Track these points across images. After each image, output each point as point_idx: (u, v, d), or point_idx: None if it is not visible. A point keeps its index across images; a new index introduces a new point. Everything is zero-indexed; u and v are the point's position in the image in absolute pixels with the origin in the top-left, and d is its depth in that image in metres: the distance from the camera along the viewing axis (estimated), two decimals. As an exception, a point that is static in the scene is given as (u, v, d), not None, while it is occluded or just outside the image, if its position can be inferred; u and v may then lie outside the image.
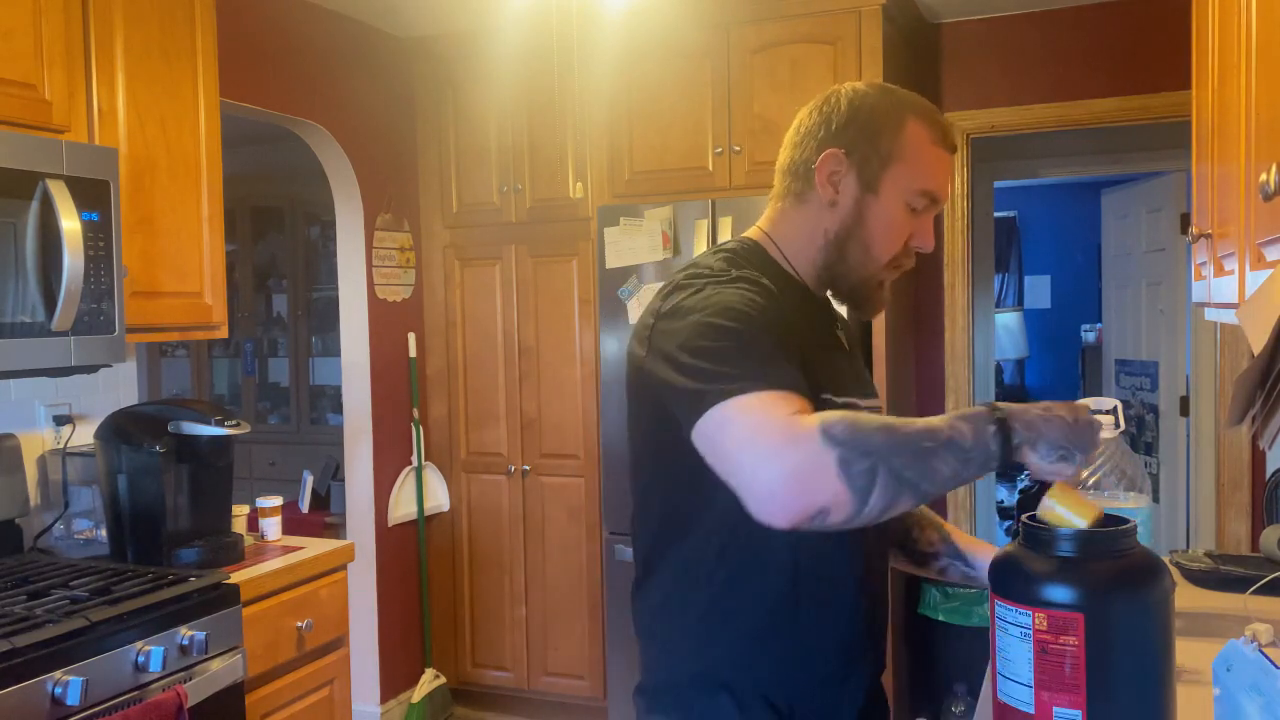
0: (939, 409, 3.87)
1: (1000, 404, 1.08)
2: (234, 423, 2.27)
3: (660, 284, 1.36)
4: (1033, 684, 1.08)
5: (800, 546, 1.21)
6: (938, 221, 3.82)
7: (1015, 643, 1.09)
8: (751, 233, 1.39)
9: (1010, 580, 1.11)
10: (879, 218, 1.29)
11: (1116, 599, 1.05)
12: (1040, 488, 1.18)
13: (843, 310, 1.44)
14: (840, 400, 1.23)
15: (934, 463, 1.03)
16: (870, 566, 1.33)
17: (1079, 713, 1.05)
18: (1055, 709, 1.07)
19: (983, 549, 1.45)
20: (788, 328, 1.20)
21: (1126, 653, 1.06)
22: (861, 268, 1.31)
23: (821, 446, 1.01)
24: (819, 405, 1.14)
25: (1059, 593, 1.06)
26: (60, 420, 2.46)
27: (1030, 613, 1.08)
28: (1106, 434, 1.75)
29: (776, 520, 1.02)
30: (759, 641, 1.24)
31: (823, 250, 1.32)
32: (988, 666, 1.50)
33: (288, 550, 2.43)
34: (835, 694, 1.29)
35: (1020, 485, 6.23)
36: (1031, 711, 1.08)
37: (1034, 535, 1.13)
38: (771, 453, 1.03)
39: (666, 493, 1.26)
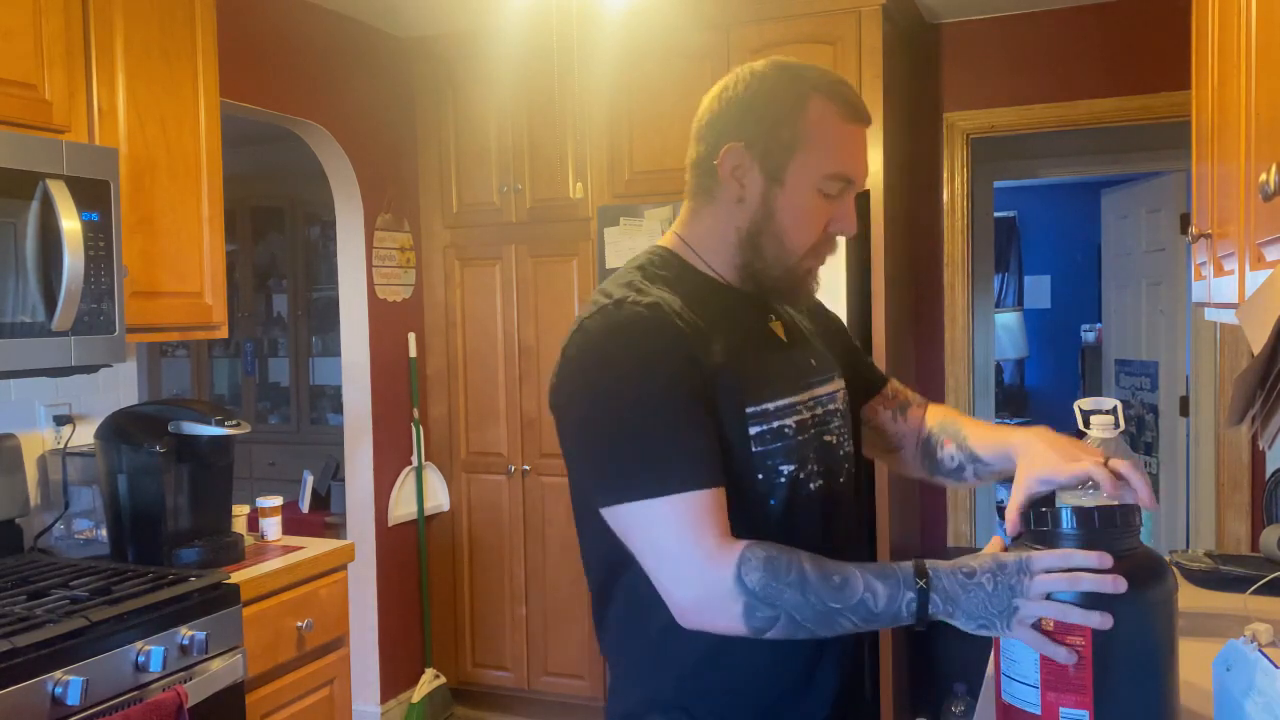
0: (939, 409, 3.87)
1: (931, 566, 1.09)
2: (234, 423, 2.27)
3: None
4: (1039, 685, 1.07)
5: None
6: (937, 221, 3.84)
7: (1019, 643, 1.08)
8: (665, 239, 1.33)
9: None
10: (788, 210, 1.23)
11: (1122, 598, 1.04)
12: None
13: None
14: (774, 406, 1.21)
15: (838, 620, 1.08)
16: None
17: (1085, 712, 1.05)
18: (1062, 709, 1.06)
19: (993, 442, 1.37)
20: (689, 356, 1.15)
21: (1132, 651, 1.06)
22: (780, 262, 1.25)
23: (731, 591, 1.07)
24: (746, 421, 1.17)
25: (1065, 593, 1.06)
26: (60, 420, 2.46)
27: None
28: (1107, 434, 1.75)
29: (680, 621, 1.12)
30: (711, 665, 1.21)
31: (737, 248, 1.26)
32: (988, 666, 1.50)
33: (288, 550, 2.43)
34: (794, 710, 1.25)
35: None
36: (1038, 712, 1.08)
37: (1040, 536, 1.12)
38: (683, 582, 1.10)
39: (604, 525, 1.19)
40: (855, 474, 1.36)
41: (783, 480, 1.21)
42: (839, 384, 1.36)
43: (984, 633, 1.08)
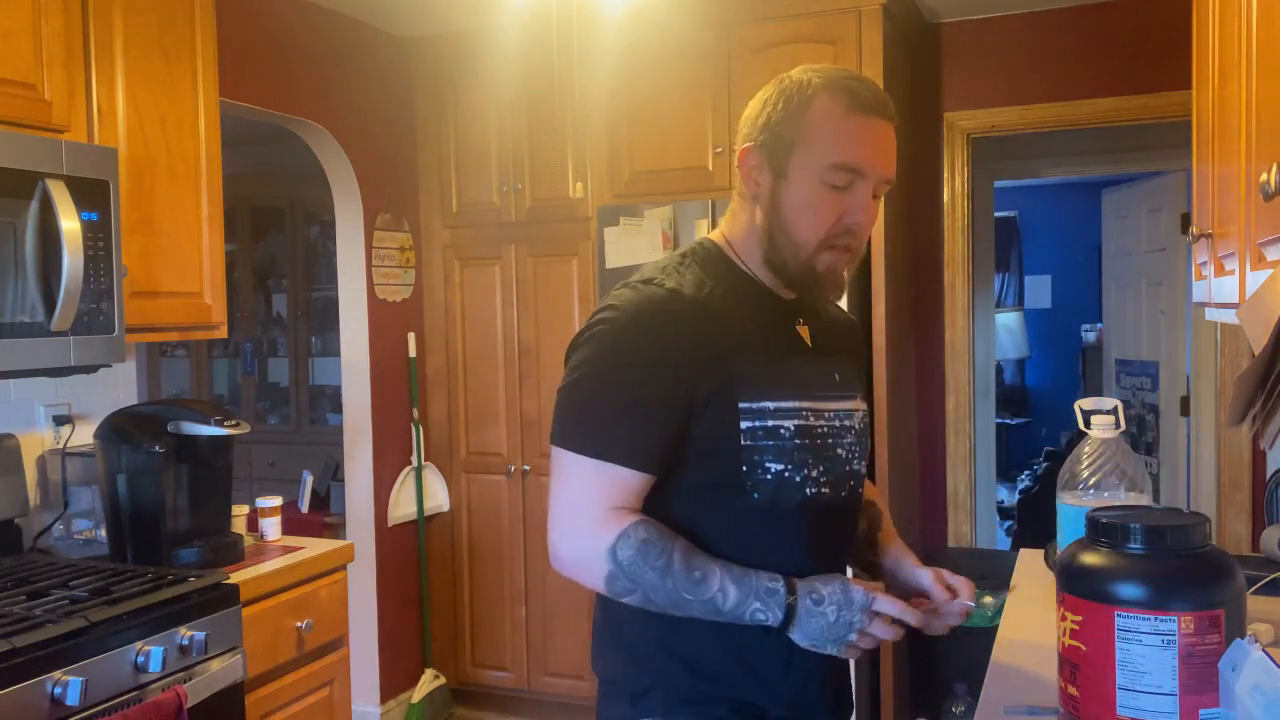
0: (939, 409, 3.88)
1: (795, 584, 1.22)
2: (234, 423, 2.27)
3: None
4: (1177, 691, 1.05)
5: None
6: (938, 221, 3.84)
7: (1154, 653, 1.06)
8: (713, 233, 1.39)
9: (1142, 590, 1.07)
10: (791, 201, 1.27)
11: (1243, 587, 1.06)
12: (1039, 488, 1.20)
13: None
14: (774, 406, 1.26)
15: (687, 609, 1.21)
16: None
17: (1224, 709, 1.03)
18: (1201, 711, 1.05)
19: (893, 550, 1.48)
20: (692, 353, 1.23)
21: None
22: (793, 256, 1.29)
23: (602, 560, 1.21)
24: (739, 415, 1.24)
25: (1203, 594, 1.04)
26: (60, 420, 2.46)
27: (1175, 618, 1.05)
28: (1107, 434, 1.75)
29: (552, 562, 1.27)
30: (723, 650, 1.28)
31: (759, 244, 1.32)
32: (989, 667, 1.50)
33: (287, 550, 2.43)
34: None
35: (1020, 486, 6.23)
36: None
37: (1153, 538, 1.11)
38: (568, 533, 1.25)
39: None
40: (859, 493, 1.40)
41: (768, 478, 1.26)
42: (861, 405, 1.40)
43: (811, 649, 1.22)
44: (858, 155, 1.26)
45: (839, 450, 1.33)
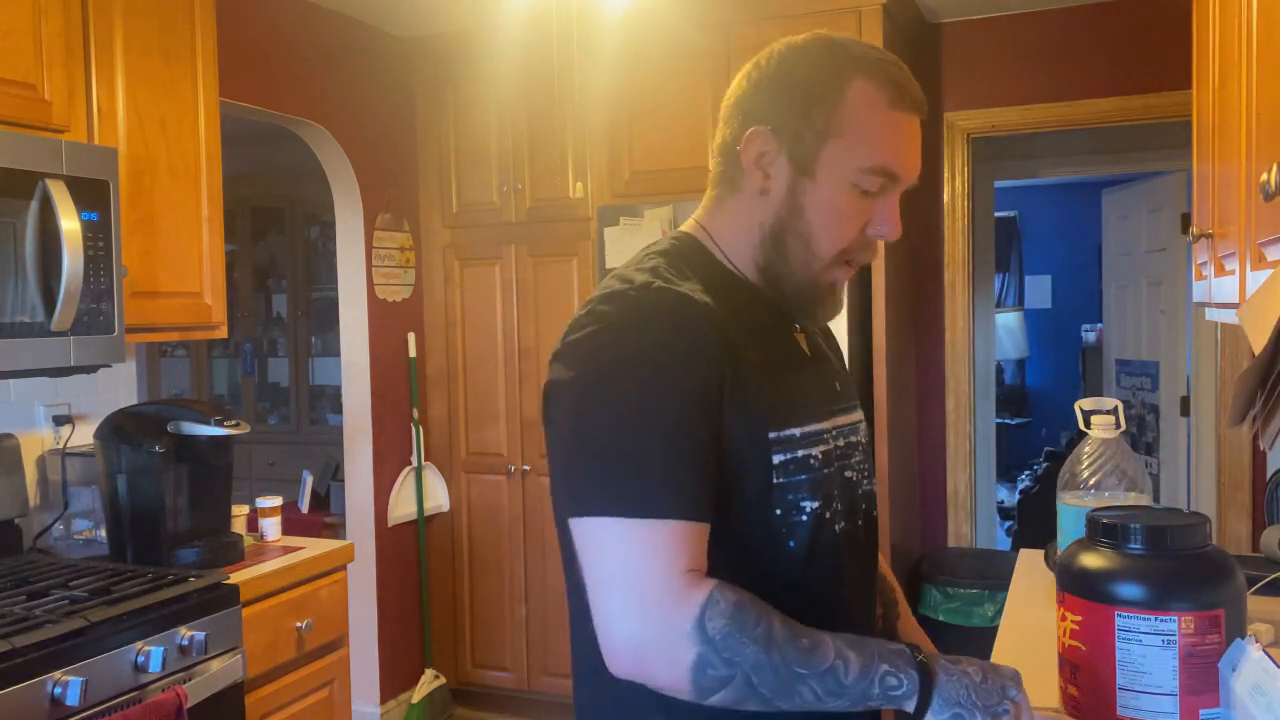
0: (939, 409, 3.88)
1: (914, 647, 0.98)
2: (234, 423, 2.27)
3: None
4: (1178, 692, 1.05)
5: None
6: (938, 221, 3.84)
7: (1155, 652, 1.05)
8: (687, 226, 1.16)
9: (1142, 591, 1.07)
10: (818, 206, 1.06)
11: (1243, 587, 1.06)
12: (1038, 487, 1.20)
13: None
14: (801, 433, 1.05)
15: (799, 689, 0.92)
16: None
17: (1224, 709, 1.04)
18: (1201, 711, 1.04)
19: (912, 637, 1.30)
20: (714, 367, 0.99)
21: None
22: (805, 267, 1.08)
23: (687, 635, 0.90)
24: (769, 447, 1.01)
25: (1203, 594, 1.04)
26: (60, 420, 2.46)
27: (1175, 618, 1.05)
28: (1107, 434, 1.75)
29: (609, 666, 0.94)
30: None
31: (759, 247, 1.10)
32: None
33: (287, 550, 2.43)
34: None
35: (1020, 486, 6.23)
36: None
37: (1153, 538, 1.11)
38: (633, 614, 0.92)
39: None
40: (873, 518, 1.19)
41: (804, 519, 1.04)
42: (860, 415, 1.20)
43: None
44: (898, 158, 1.06)
45: (848, 473, 1.12)
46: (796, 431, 1.04)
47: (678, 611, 0.91)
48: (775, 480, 1.02)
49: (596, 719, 1.12)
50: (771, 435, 1.02)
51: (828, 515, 1.07)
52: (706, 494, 0.96)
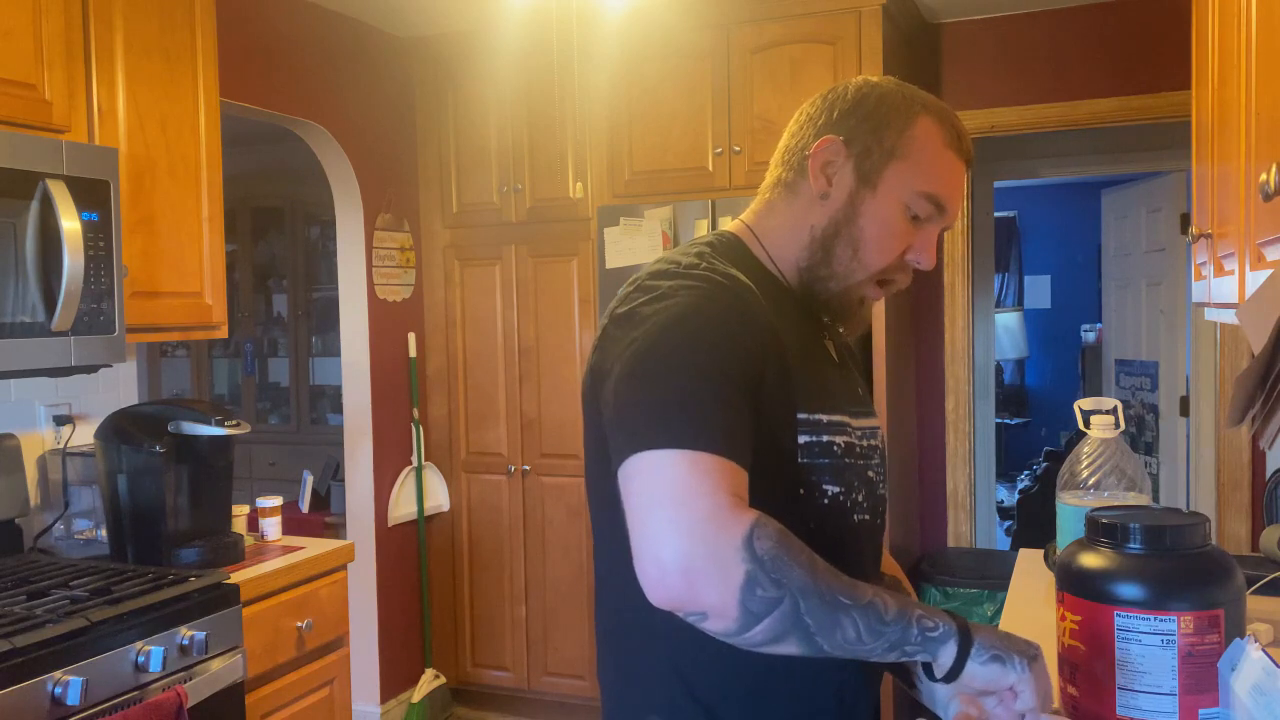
0: (939, 409, 3.88)
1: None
2: (234, 423, 2.27)
3: None
4: (1177, 691, 1.05)
5: None
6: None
7: (1154, 652, 1.06)
8: (732, 226, 1.24)
9: (1141, 590, 1.07)
10: (873, 216, 1.15)
11: (1242, 587, 1.05)
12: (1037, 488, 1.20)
13: None
14: (827, 419, 1.10)
15: (843, 620, 0.93)
16: None
17: (1223, 709, 1.04)
18: (1201, 711, 1.05)
19: None
20: (761, 339, 1.05)
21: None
22: (848, 274, 1.16)
23: (738, 554, 0.90)
24: (797, 427, 1.06)
25: (1203, 593, 1.04)
26: (60, 420, 2.46)
27: (1174, 618, 1.05)
28: (1107, 434, 1.75)
29: (651, 595, 0.93)
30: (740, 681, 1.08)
31: (807, 249, 1.17)
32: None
33: (288, 550, 2.43)
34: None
35: (1020, 486, 6.24)
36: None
37: (1152, 538, 1.11)
38: (681, 530, 0.91)
39: (618, 521, 1.01)
40: (885, 517, 1.25)
41: (825, 502, 1.09)
42: (879, 423, 1.26)
43: (995, 666, 0.96)
44: (948, 191, 1.16)
45: (869, 472, 1.17)
46: (823, 417, 1.10)
47: (727, 530, 0.91)
48: (800, 460, 1.07)
49: (619, 694, 1.16)
50: (800, 416, 1.07)
51: (849, 504, 1.12)
52: (749, 448, 0.99)
